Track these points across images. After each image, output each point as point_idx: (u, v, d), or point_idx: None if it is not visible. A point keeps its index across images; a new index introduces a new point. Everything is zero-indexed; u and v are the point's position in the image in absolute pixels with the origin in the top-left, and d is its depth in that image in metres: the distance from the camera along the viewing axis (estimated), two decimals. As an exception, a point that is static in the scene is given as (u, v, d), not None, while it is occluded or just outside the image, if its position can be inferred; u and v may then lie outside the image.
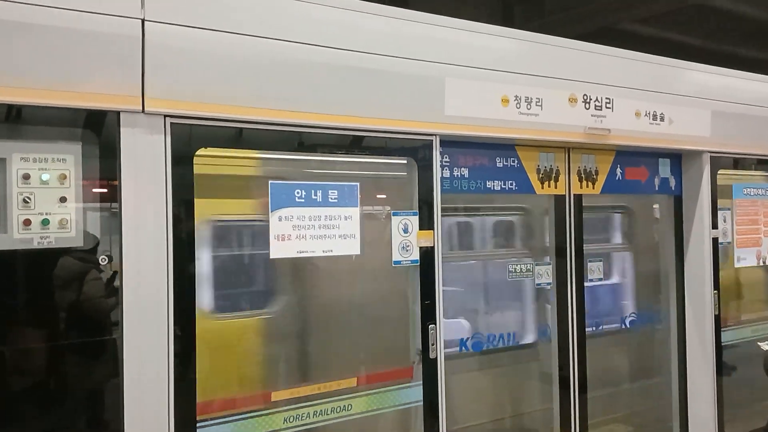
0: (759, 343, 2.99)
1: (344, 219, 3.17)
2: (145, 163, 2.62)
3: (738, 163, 4.65)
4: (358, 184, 3.23)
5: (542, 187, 3.98)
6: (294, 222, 3.02)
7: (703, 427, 4.47)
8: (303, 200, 3.05)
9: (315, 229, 3.07)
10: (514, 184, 3.89)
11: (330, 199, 3.13)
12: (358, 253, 3.22)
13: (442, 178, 3.55)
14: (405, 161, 3.45)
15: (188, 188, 2.75)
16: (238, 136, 2.95)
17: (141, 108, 2.60)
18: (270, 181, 2.98)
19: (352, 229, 3.19)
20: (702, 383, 4.47)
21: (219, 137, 2.89)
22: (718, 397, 4.46)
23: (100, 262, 2.58)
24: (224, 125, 2.85)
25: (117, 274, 2.59)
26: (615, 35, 10.83)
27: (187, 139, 2.75)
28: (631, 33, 11.04)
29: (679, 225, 4.54)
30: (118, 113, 2.57)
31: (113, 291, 2.60)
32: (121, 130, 2.57)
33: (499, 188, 3.84)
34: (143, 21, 2.61)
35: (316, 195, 3.09)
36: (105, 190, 2.59)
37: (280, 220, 2.99)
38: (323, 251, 3.11)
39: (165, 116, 2.66)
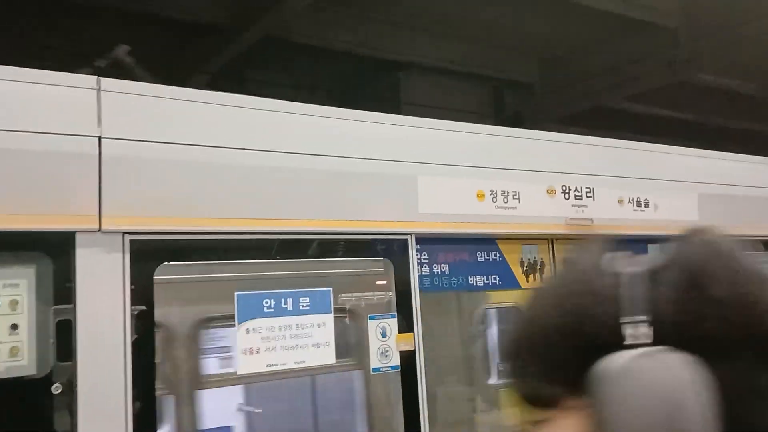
0: None
1: (317, 326, 3.05)
2: (102, 283, 2.54)
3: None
4: (331, 289, 3.13)
5: (527, 281, 3.87)
6: (263, 334, 2.90)
7: None
8: (272, 310, 2.94)
9: (286, 339, 2.95)
10: (497, 278, 3.77)
11: (301, 307, 3.03)
12: (333, 362, 3.08)
13: (422, 276, 3.45)
14: (381, 261, 3.36)
15: (149, 305, 2.66)
16: (203, 248, 2.88)
17: (98, 226, 2.55)
18: (236, 293, 2.89)
19: (325, 336, 3.07)
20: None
21: (183, 249, 2.83)
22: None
23: (54, 391, 2.46)
24: (188, 238, 2.79)
25: (72, 401, 2.46)
26: (605, 114, 10.99)
27: (148, 255, 2.68)
28: (621, 111, 11.20)
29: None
30: (73, 233, 2.51)
31: (68, 420, 2.47)
32: (77, 250, 2.51)
33: (482, 284, 3.73)
34: (100, 138, 2.60)
35: (286, 303, 2.99)
36: (60, 315, 2.50)
37: (248, 332, 2.87)
38: (295, 363, 2.97)
39: (123, 233, 2.61)
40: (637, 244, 4.26)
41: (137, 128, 2.70)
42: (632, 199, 4.02)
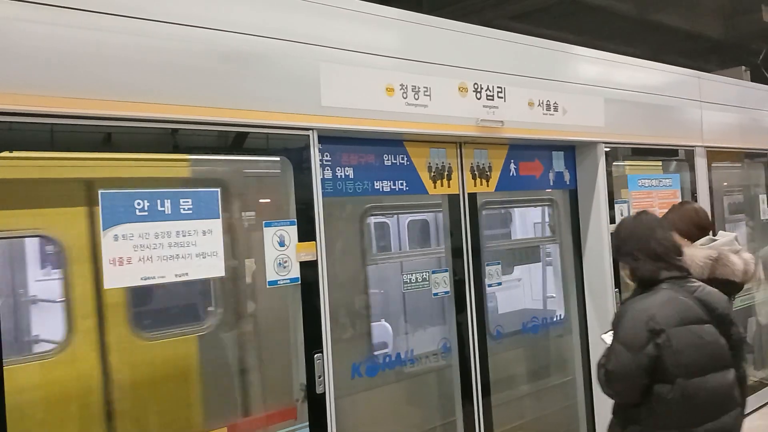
0: (602, 336, 2.69)
1: (202, 234, 2.58)
2: None
3: (633, 153, 4.48)
4: (218, 190, 2.65)
5: (435, 187, 3.58)
6: (135, 241, 2.39)
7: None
8: (146, 213, 2.43)
9: (164, 248, 2.46)
10: (404, 184, 3.45)
11: (182, 210, 2.53)
12: (222, 274, 2.64)
13: (324, 180, 3.06)
14: (278, 161, 2.92)
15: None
16: (56, 135, 2.28)
17: None
18: (100, 191, 2.34)
19: (212, 245, 2.61)
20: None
21: (30, 136, 2.22)
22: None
23: None
24: (36, 121, 2.18)
25: None
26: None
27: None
28: (505, 29, 11.05)
29: (575, 220, 4.30)
30: None
31: None
32: None
33: (388, 189, 3.39)
34: None
35: (163, 206, 2.48)
36: None
37: (116, 239, 2.35)
38: (176, 275, 2.50)
39: None
40: (543, 150, 4.11)
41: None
42: (542, 102, 3.80)
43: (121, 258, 2.35)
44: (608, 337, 2.58)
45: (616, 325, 2.45)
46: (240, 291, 3.01)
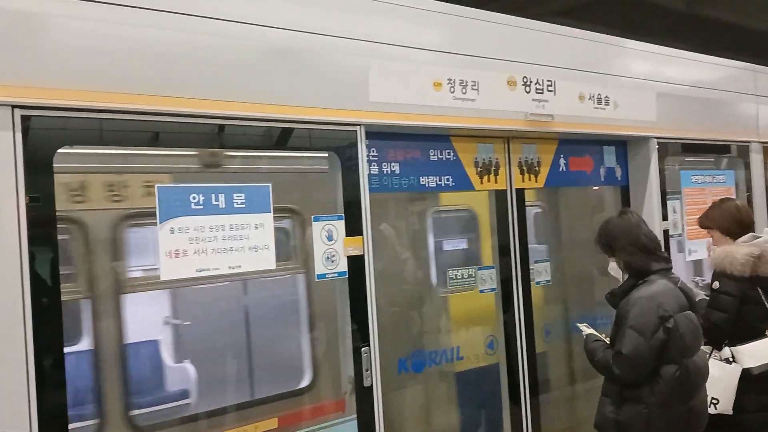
0: (578, 325, 2.90)
1: (255, 228, 2.62)
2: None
3: (685, 149, 4.38)
4: (270, 185, 2.69)
5: (481, 182, 3.56)
6: (191, 234, 2.45)
7: None
8: (201, 207, 2.48)
9: (218, 241, 2.51)
10: (450, 179, 3.44)
11: (236, 205, 2.58)
12: (273, 267, 2.68)
13: (370, 175, 3.07)
14: (326, 156, 2.94)
15: (48, 196, 2.15)
16: (114, 130, 2.35)
17: None
18: (157, 185, 2.40)
19: (264, 239, 2.65)
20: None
21: (89, 131, 2.29)
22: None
23: None
24: (95, 116, 2.26)
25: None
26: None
27: (46, 135, 2.15)
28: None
29: (626, 218, 4.21)
30: None
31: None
32: (-51, 125, 1.96)
33: (434, 185, 3.39)
34: None
35: (217, 200, 2.53)
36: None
37: (172, 232, 2.41)
38: (230, 267, 2.55)
39: (13, 107, 2.07)
40: (593, 145, 4.05)
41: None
42: (593, 96, 3.74)
43: (176, 250, 2.41)
44: (585, 328, 2.90)
45: (624, 313, 2.64)
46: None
